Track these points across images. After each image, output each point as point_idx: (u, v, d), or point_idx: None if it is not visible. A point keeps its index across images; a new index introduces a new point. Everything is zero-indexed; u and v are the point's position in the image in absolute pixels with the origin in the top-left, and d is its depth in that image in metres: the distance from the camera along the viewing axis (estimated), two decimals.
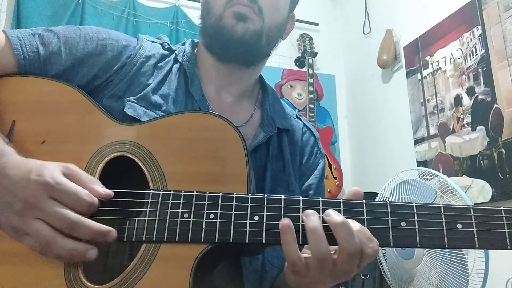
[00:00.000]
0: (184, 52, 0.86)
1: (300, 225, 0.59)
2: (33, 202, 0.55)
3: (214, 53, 0.83)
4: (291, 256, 0.57)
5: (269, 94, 0.92)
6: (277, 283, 0.78)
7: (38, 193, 0.55)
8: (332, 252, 0.57)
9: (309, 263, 0.57)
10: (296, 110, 2.92)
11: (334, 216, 0.57)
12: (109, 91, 0.77)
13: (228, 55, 0.81)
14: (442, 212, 0.59)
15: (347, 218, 0.58)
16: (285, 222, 0.57)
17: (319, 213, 0.59)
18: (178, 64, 0.84)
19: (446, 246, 0.58)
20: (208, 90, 0.84)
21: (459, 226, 0.58)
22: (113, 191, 0.62)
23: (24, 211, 0.55)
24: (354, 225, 0.57)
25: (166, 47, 0.87)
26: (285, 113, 0.92)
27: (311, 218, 0.58)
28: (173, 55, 0.85)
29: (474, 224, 0.58)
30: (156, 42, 0.86)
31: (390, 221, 0.59)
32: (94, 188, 0.59)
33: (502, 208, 0.58)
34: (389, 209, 0.59)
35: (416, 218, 0.59)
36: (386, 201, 0.60)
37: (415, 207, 0.59)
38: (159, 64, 0.83)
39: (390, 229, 0.58)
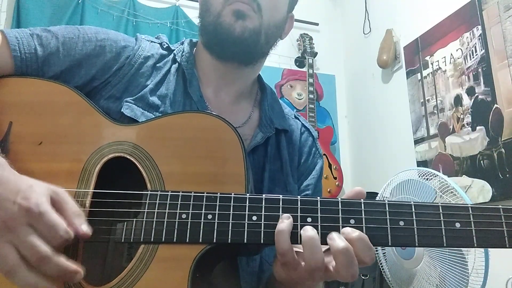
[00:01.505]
0: (183, 52, 0.86)
1: (299, 225, 0.59)
2: (11, 225, 0.53)
3: (212, 51, 0.82)
4: (282, 245, 0.57)
5: (268, 94, 0.92)
6: (268, 281, 0.78)
7: (18, 217, 0.53)
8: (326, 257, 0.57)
9: (300, 261, 0.58)
10: (296, 110, 2.89)
11: (338, 241, 0.57)
12: (107, 92, 0.77)
13: (226, 53, 0.81)
14: (441, 211, 0.59)
15: (345, 218, 0.58)
16: (285, 214, 0.59)
17: (317, 213, 0.59)
18: (177, 64, 0.84)
19: (445, 245, 0.58)
20: (207, 90, 0.84)
21: (458, 225, 0.58)
22: (112, 192, 0.62)
23: (0, 232, 0.53)
24: (354, 233, 0.57)
25: (164, 46, 0.86)
26: (283, 113, 0.92)
27: (308, 229, 0.58)
28: (172, 55, 0.85)
29: (472, 223, 0.58)
30: (154, 42, 0.86)
31: (388, 220, 0.59)
32: (75, 224, 0.56)
33: (500, 206, 0.58)
34: (387, 208, 0.59)
35: (414, 217, 0.58)
36: (384, 200, 0.60)
37: (413, 206, 0.59)
38: (157, 65, 0.82)
39: (388, 228, 0.58)
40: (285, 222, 0.58)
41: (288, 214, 0.59)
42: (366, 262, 0.57)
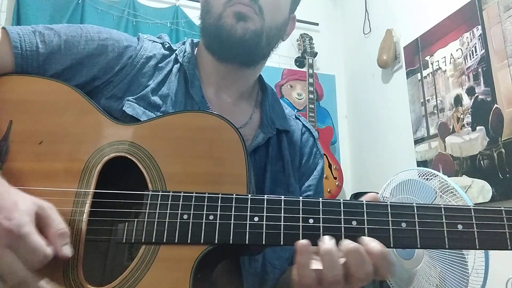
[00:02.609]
0: (184, 52, 0.85)
1: (300, 226, 0.59)
2: None
3: (213, 53, 0.82)
4: (305, 280, 0.56)
5: (269, 95, 0.91)
6: (280, 285, 0.78)
7: None
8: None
9: (323, 283, 0.56)
10: (296, 110, 2.89)
11: (347, 243, 0.56)
12: (108, 91, 0.76)
13: (227, 55, 0.80)
14: (443, 212, 0.58)
15: (347, 219, 0.58)
16: (302, 242, 0.56)
17: (319, 214, 0.59)
18: (178, 64, 0.84)
19: (447, 246, 0.57)
20: (208, 91, 0.84)
21: (460, 226, 0.58)
22: (113, 192, 0.62)
23: None
24: (375, 248, 0.56)
25: (166, 46, 0.86)
26: (284, 113, 0.92)
27: (326, 242, 0.56)
28: (174, 55, 0.85)
29: (474, 224, 0.57)
30: (156, 42, 0.86)
31: (390, 221, 0.58)
32: (56, 245, 0.55)
33: (503, 208, 0.58)
34: (389, 210, 0.59)
35: (416, 219, 0.58)
36: (386, 202, 0.59)
37: (415, 207, 0.59)
38: (159, 65, 0.82)
39: (391, 229, 0.58)
40: (304, 255, 0.56)
41: (305, 242, 0.56)
42: (382, 275, 0.56)
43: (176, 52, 0.86)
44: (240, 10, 0.76)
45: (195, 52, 0.87)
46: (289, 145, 0.88)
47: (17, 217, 0.53)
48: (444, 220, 0.58)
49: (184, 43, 0.89)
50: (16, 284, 0.53)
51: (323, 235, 0.58)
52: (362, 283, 0.56)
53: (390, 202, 0.59)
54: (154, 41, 0.85)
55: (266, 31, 0.79)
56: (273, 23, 0.80)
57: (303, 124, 0.95)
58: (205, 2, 0.82)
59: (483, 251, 1.33)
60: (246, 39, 0.76)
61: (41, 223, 0.56)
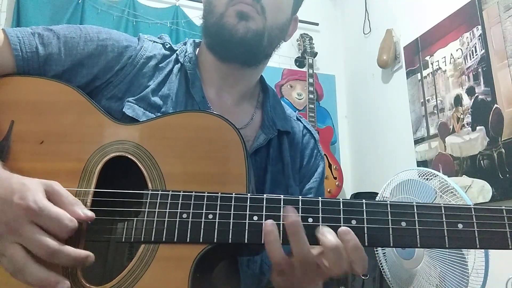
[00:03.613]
0: (186, 52, 0.85)
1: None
2: (14, 226, 0.53)
3: (215, 52, 0.82)
4: (275, 256, 0.57)
5: (270, 96, 0.91)
6: None
7: (19, 217, 0.53)
8: (316, 254, 0.58)
9: (294, 263, 0.58)
10: (296, 110, 2.89)
11: (329, 237, 0.57)
12: (108, 92, 0.76)
13: (229, 54, 0.80)
14: (443, 212, 0.58)
15: (346, 218, 0.58)
16: (268, 221, 0.58)
17: (318, 213, 0.59)
18: (179, 64, 0.83)
19: (447, 246, 0.57)
20: (209, 91, 0.83)
21: (460, 226, 0.57)
22: (113, 191, 0.62)
23: (4, 234, 0.54)
24: (350, 241, 0.57)
25: (167, 46, 0.86)
26: (285, 114, 0.91)
27: (291, 218, 0.58)
28: (174, 56, 0.85)
29: (475, 224, 0.57)
30: (157, 42, 0.85)
31: (390, 221, 0.58)
32: (75, 211, 0.57)
33: (503, 207, 0.58)
34: (389, 209, 0.59)
35: (416, 218, 0.58)
36: (386, 201, 0.59)
37: (415, 206, 0.59)
38: (160, 65, 0.82)
39: (390, 229, 0.58)
40: (270, 234, 0.58)
41: (270, 221, 0.58)
42: (357, 271, 0.58)
43: (177, 52, 0.85)
44: (242, 9, 0.76)
45: (196, 52, 0.87)
46: (290, 147, 0.88)
47: (30, 195, 0.54)
48: (444, 220, 0.58)
49: (185, 44, 0.88)
50: (49, 254, 0.54)
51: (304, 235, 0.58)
52: (334, 275, 0.58)
53: (389, 201, 0.59)
54: (154, 42, 0.85)
55: (268, 31, 0.79)
56: (275, 23, 0.80)
57: (304, 125, 0.94)
58: (207, 1, 0.82)
59: (483, 251, 1.33)
60: (247, 39, 0.76)
61: (51, 199, 0.56)
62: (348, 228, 0.58)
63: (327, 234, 0.57)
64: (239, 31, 0.76)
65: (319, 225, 0.59)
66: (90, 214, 0.58)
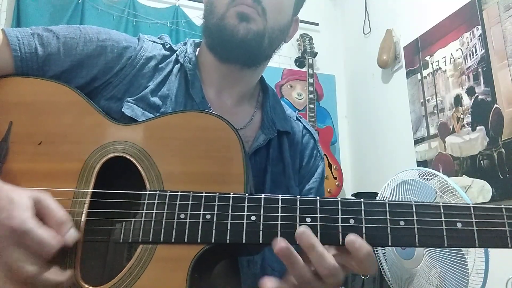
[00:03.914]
0: (186, 52, 0.85)
1: (297, 225, 0.58)
2: None
3: (215, 53, 0.82)
4: (306, 277, 0.57)
5: (270, 96, 0.91)
6: None
7: (4, 238, 0.53)
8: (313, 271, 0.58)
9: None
10: (296, 110, 2.89)
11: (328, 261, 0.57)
12: (108, 92, 0.76)
13: (229, 55, 0.80)
14: (442, 211, 0.58)
15: (344, 218, 0.58)
16: (281, 245, 0.56)
17: (316, 213, 0.59)
18: (179, 65, 0.83)
19: (446, 245, 0.57)
20: (209, 91, 0.83)
21: (459, 225, 0.57)
22: (111, 192, 0.62)
23: None
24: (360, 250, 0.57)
25: (167, 47, 0.85)
26: (285, 115, 0.91)
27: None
28: (174, 56, 0.84)
29: (474, 222, 0.57)
30: (157, 42, 0.85)
31: (388, 220, 0.58)
32: (62, 231, 0.56)
33: (502, 206, 0.57)
34: (387, 208, 0.58)
35: (415, 217, 0.58)
36: (384, 200, 0.59)
37: (414, 206, 0.58)
38: (160, 66, 0.82)
39: (389, 228, 0.58)
40: (291, 259, 0.57)
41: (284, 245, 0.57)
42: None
43: (177, 52, 0.85)
44: (243, 10, 0.76)
45: (196, 53, 0.87)
46: (290, 147, 0.88)
47: (17, 215, 0.54)
48: (443, 219, 0.58)
49: (185, 44, 0.88)
50: (27, 278, 0.54)
51: (320, 234, 0.58)
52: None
53: (388, 201, 0.59)
54: (154, 42, 0.85)
55: (268, 33, 0.78)
56: (275, 25, 0.80)
57: (304, 125, 0.94)
58: (208, 2, 0.82)
59: (483, 250, 1.33)
60: (248, 40, 0.76)
61: (40, 214, 0.56)
62: (355, 236, 0.57)
63: (326, 258, 0.57)
64: (239, 32, 0.75)
65: (317, 225, 0.59)
66: (74, 238, 0.58)
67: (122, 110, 0.74)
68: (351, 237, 0.56)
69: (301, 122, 0.95)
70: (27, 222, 0.54)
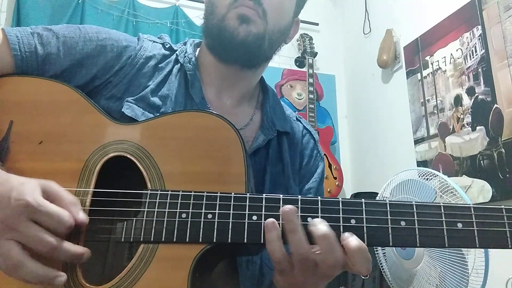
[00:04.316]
0: (186, 52, 0.85)
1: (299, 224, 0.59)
2: (11, 223, 0.53)
3: (216, 54, 0.82)
4: (276, 254, 0.57)
5: (270, 96, 0.91)
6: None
7: (18, 214, 0.53)
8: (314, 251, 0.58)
9: (293, 261, 0.58)
10: (296, 110, 2.89)
11: (319, 226, 0.57)
12: (108, 91, 0.76)
13: (229, 56, 0.80)
14: (442, 211, 0.58)
15: (345, 218, 0.58)
16: (269, 220, 0.58)
17: (317, 213, 0.59)
18: (179, 65, 0.83)
19: (446, 245, 0.57)
20: (209, 92, 0.83)
21: (460, 225, 0.57)
22: (112, 191, 0.62)
23: (0, 232, 0.54)
24: (353, 242, 0.57)
25: (167, 46, 0.85)
26: (285, 115, 0.91)
27: (292, 220, 0.58)
28: (174, 56, 0.84)
29: (474, 223, 0.57)
30: (157, 42, 0.85)
31: (389, 220, 0.58)
32: (73, 211, 0.57)
33: (503, 207, 0.58)
34: (388, 208, 0.59)
35: (416, 217, 0.58)
36: (385, 200, 0.59)
37: (414, 206, 0.58)
38: (159, 65, 0.82)
39: (390, 228, 0.58)
40: (272, 232, 0.58)
41: (272, 220, 0.58)
42: (356, 272, 0.58)
43: (177, 52, 0.85)
44: (244, 12, 0.75)
45: (196, 53, 0.87)
46: (290, 147, 0.87)
47: (28, 192, 0.54)
48: (443, 219, 0.58)
49: (185, 44, 0.88)
50: (50, 250, 0.54)
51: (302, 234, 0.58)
52: (331, 271, 0.58)
53: (389, 201, 0.59)
54: (154, 41, 0.85)
55: (268, 34, 0.78)
56: (276, 27, 0.80)
57: (303, 126, 0.94)
58: (209, 2, 0.81)
59: (483, 251, 1.33)
60: (248, 42, 0.76)
61: (49, 199, 0.57)
62: (350, 233, 0.58)
63: (317, 224, 0.57)
64: (240, 34, 0.75)
65: None
66: (85, 218, 0.58)
67: (122, 110, 0.74)
68: (345, 234, 0.57)
69: (301, 123, 0.95)
70: (40, 197, 0.55)
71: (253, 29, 0.76)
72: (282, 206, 0.60)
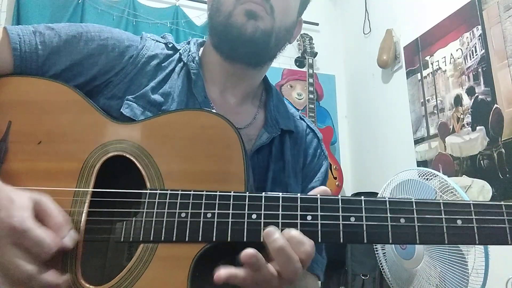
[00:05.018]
0: (189, 51, 0.84)
1: (298, 223, 0.59)
2: None
3: (222, 52, 0.81)
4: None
5: (273, 95, 0.91)
6: None
7: (2, 236, 0.53)
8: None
9: (245, 276, 0.56)
10: (298, 111, 2.91)
11: (275, 236, 0.56)
12: (109, 91, 0.76)
13: (236, 54, 0.79)
14: (442, 208, 0.58)
15: (345, 216, 0.58)
16: (247, 252, 0.55)
17: (317, 211, 0.59)
18: (182, 63, 0.83)
19: (446, 242, 0.57)
20: (212, 91, 0.83)
21: (459, 222, 0.57)
22: (111, 191, 0.62)
23: None
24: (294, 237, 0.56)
25: (170, 46, 0.85)
26: (288, 114, 0.91)
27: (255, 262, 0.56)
28: (177, 55, 0.84)
29: (474, 219, 0.57)
30: (160, 42, 0.85)
31: (389, 217, 0.58)
32: (60, 234, 0.56)
33: (502, 203, 0.58)
34: (388, 206, 0.58)
35: (415, 215, 0.58)
36: (385, 198, 0.59)
37: (414, 203, 0.58)
38: (162, 65, 0.81)
39: (389, 225, 0.58)
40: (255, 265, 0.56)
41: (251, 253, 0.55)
42: (302, 259, 0.56)
43: (180, 51, 0.85)
44: (251, 8, 0.75)
45: (200, 52, 0.86)
46: (293, 146, 0.87)
47: (17, 214, 0.53)
48: (443, 216, 0.58)
49: (188, 43, 0.88)
50: (24, 278, 0.53)
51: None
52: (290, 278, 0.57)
53: (388, 198, 0.59)
54: (157, 41, 0.84)
55: (275, 32, 0.78)
56: (283, 24, 0.79)
57: (307, 124, 0.94)
58: (214, 0, 0.81)
59: (483, 250, 1.33)
60: (255, 38, 0.75)
61: (39, 216, 0.56)
62: (274, 228, 0.57)
63: (272, 234, 0.56)
64: (247, 30, 0.75)
65: (318, 223, 0.59)
66: (70, 242, 0.57)
67: (121, 110, 0.73)
68: (269, 229, 0.57)
69: (305, 121, 0.94)
70: (26, 221, 0.54)
71: (260, 25, 0.75)
72: (282, 204, 0.59)
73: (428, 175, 1.58)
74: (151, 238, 0.60)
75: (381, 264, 1.77)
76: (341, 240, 0.58)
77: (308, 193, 0.61)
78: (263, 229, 0.58)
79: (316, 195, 0.60)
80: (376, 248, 1.79)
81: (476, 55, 2.06)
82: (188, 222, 0.60)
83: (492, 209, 0.58)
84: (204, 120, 0.67)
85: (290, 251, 0.56)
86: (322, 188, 0.62)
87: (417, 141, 2.44)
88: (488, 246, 1.28)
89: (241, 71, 0.82)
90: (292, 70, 3.17)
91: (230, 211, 0.60)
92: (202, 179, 0.63)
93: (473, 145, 2.03)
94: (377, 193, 1.85)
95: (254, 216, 0.59)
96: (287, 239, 0.56)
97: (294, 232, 0.57)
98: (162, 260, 0.59)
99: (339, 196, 0.60)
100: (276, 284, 0.57)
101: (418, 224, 0.58)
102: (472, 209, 0.58)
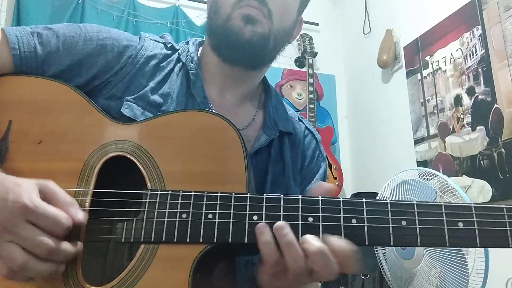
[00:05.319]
0: (188, 51, 0.84)
1: (300, 224, 0.59)
2: (8, 226, 0.53)
3: (219, 54, 0.81)
4: (270, 257, 0.57)
5: (272, 96, 0.90)
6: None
7: (14, 216, 0.53)
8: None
9: (288, 267, 0.57)
10: (296, 110, 2.89)
11: (312, 242, 0.57)
12: (108, 91, 0.76)
13: (234, 57, 0.79)
14: (443, 210, 0.58)
15: (346, 217, 0.58)
16: (260, 224, 0.58)
17: (318, 212, 0.59)
18: (181, 63, 0.83)
19: (447, 244, 0.57)
20: (211, 91, 0.83)
21: (461, 224, 0.57)
22: (110, 192, 0.62)
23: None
24: (336, 244, 0.57)
25: (169, 46, 0.85)
26: (287, 115, 0.91)
27: (287, 234, 0.57)
28: (176, 55, 0.84)
29: (475, 222, 0.57)
30: (158, 42, 0.84)
31: (390, 219, 0.58)
32: (70, 212, 0.57)
33: (504, 206, 0.58)
34: (389, 208, 0.59)
35: (416, 217, 0.58)
36: (386, 200, 0.59)
37: (415, 205, 0.58)
38: (161, 65, 0.81)
39: (390, 227, 0.58)
40: (265, 234, 0.58)
41: (263, 224, 0.58)
42: (348, 271, 0.58)
43: (179, 51, 0.84)
44: (249, 13, 0.75)
45: (198, 52, 0.86)
46: (291, 147, 0.87)
47: (25, 195, 0.54)
48: (444, 218, 0.58)
49: (187, 43, 0.87)
50: (48, 253, 0.54)
51: (323, 233, 0.58)
52: (326, 279, 0.58)
53: (390, 200, 0.59)
54: (156, 41, 0.84)
55: (273, 35, 0.78)
56: (281, 27, 0.79)
57: (306, 126, 0.94)
58: (213, 2, 0.80)
59: (483, 251, 1.33)
60: (253, 42, 0.75)
61: (46, 199, 0.56)
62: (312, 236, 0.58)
63: (310, 240, 0.57)
64: (245, 35, 0.75)
65: (319, 224, 0.59)
66: (83, 217, 0.58)
67: (121, 110, 0.73)
68: (279, 223, 0.58)
69: (303, 123, 0.94)
70: (37, 199, 0.55)
71: (258, 30, 0.75)
72: (283, 206, 0.60)
73: (428, 175, 1.58)
74: (152, 239, 0.60)
75: (381, 264, 1.77)
76: None
77: (312, 188, 0.62)
78: None
79: (318, 197, 0.60)
80: (376, 248, 1.79)
81: (476, 55, 2.06)
82: (189, 223, 0.60)
83: (493, 212, 0.58)
84: (204, 120, 0.67)
85: (329, 255, 0.56)
86: (326, 185, 0.63)
87: (417, 141, 2.44)
88: None
89: (240, 73, 0.82)
90: (292, 70, 3.17)
91: (231, 212, 0.60)
92: (203, 179, 0.63)
93: (473, 145, 2.03)
94: (377, 193, 1.84)
95: (255, 217, 0.59)
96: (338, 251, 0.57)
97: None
98: (163, 261, 0.59)
99: (341, 198, 0.60)
100: (315, 279, 0.58)
101: (420, 226, 0.58)
102: (474, 211, 0.58)
